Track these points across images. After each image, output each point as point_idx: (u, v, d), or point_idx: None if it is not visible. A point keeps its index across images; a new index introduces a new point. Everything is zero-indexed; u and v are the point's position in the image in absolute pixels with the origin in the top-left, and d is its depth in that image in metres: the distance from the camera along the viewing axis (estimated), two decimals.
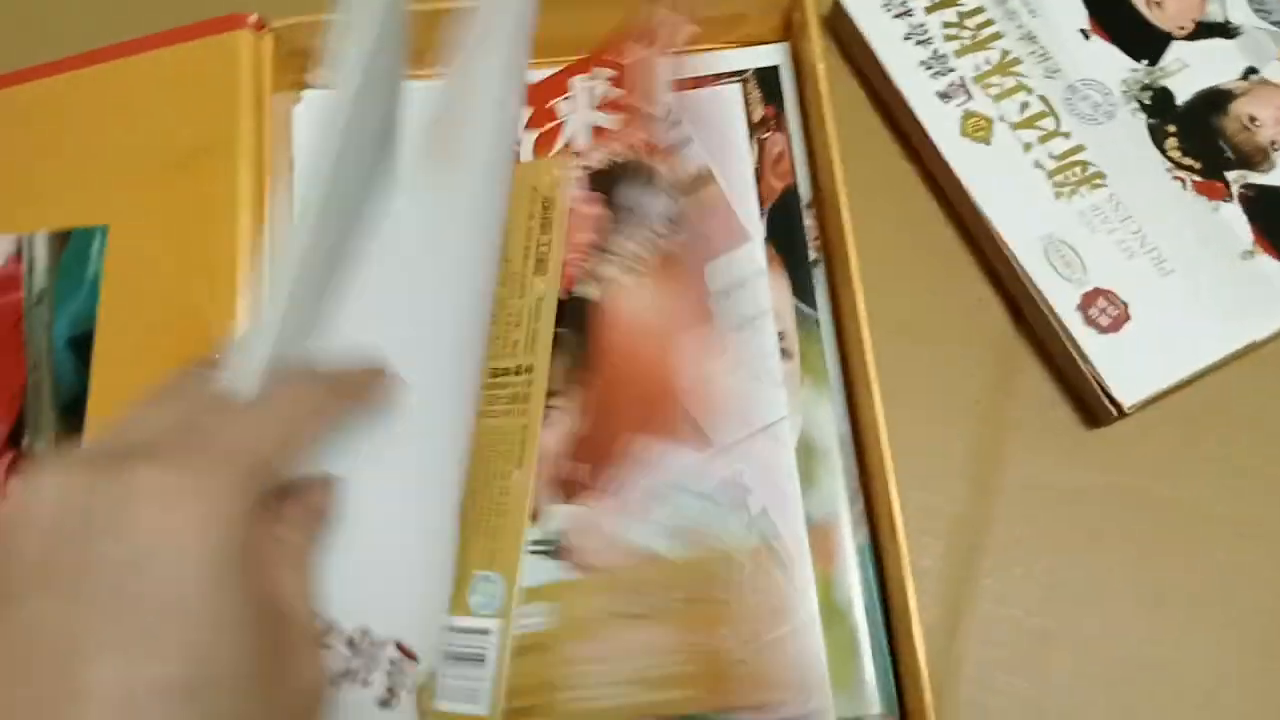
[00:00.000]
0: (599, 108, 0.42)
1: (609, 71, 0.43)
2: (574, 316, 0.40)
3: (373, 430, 0.29)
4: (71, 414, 0.39)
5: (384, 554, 0.29)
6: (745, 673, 0.35)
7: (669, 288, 0.39)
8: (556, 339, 0.39)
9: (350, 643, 0.27)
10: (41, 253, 0.42)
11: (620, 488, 0.37)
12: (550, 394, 0.38)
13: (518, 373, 0.38)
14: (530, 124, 0.43)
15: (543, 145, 0.43)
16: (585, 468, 0.37)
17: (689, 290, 0.39)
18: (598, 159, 0.42)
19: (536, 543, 0.37)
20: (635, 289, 0.39)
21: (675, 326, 0.39)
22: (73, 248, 0.42)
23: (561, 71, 0.44)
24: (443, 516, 0.31)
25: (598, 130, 0.42)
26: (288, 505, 0.26)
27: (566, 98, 0.43)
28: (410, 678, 0.28)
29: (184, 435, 0.23)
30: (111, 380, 0.39)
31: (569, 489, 0.37)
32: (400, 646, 0.28)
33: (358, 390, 0.28)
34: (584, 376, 0.39)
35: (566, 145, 0.42)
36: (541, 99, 0.43)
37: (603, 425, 0.38)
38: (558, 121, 0.43)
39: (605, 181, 0.42)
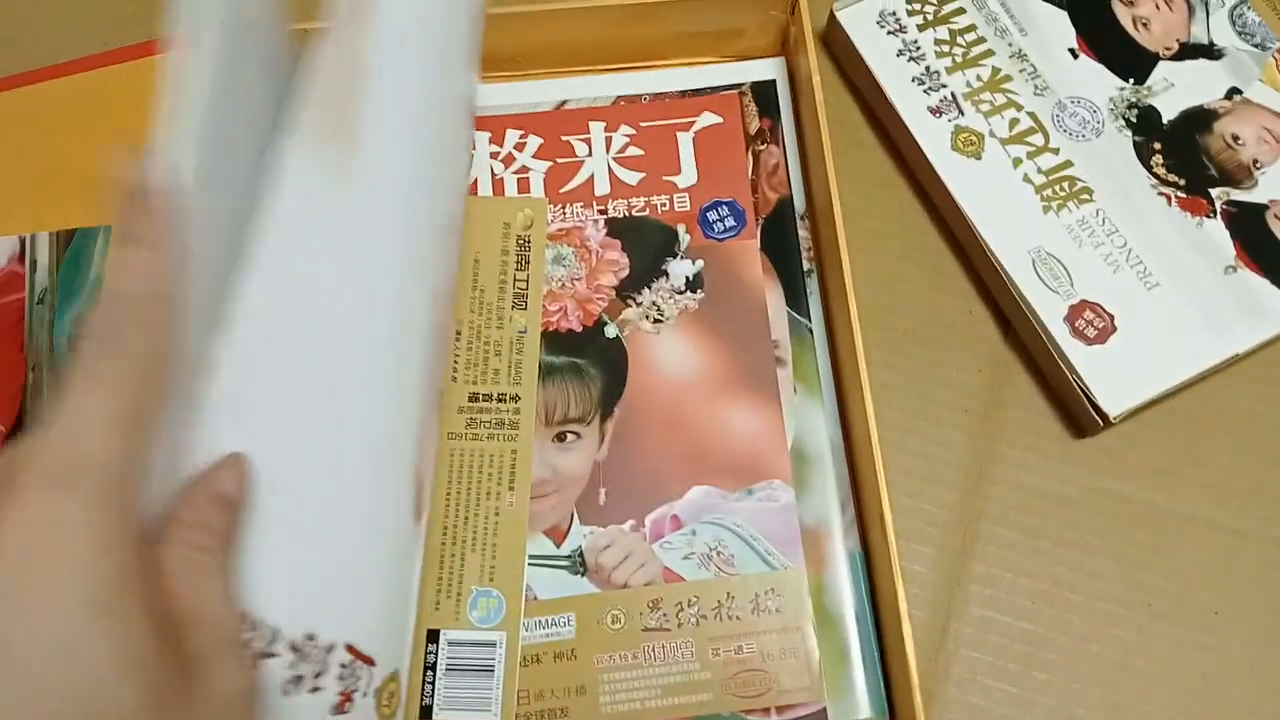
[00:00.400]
0: (618, 159, 0.43)
1: (629, 129, 0.44)
2: (596, 351, 0.40)
3: (296, 428, 0.27)
4: None
5: (327, 554, 0.27)
6: (755, 678, 0.36)
7: (694, 341, 0.41)
8: (577, 370, 0.40)
9: (294, 647, 0.26)
10: (44, 253, 0.42)
11: (643, 514, 0.38)
12: (568, 420, 0.39)
13: (502, 400, 0.39)
14: (541, 154, 0.44)
15: (555, 179, 0.43)
16: (608, 493, 0.39)
17: (713, 345, 0.41)
18: (615, 208, 0.43)
19: (562, 559, 0.38)
20: (659, 336, 0.41)
21: (700, 377, 0.40)
22: (75, 248, 0.42)
23: (580, 110, 0.44)
24: (392, 515, 0.30)
25: (616, 180, 0.43)
26: (190, 501, 0.24)
27: (584, 138, 0.44)
28: (365, 681, 0.28)
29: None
30: None
31: (592, 512, 0.38)
32: (352, 649, 0.27)
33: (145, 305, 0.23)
34: (607, 408, 0.40)
35: (586, 185, 0.43)
36: (554, 129, 0.44)
37: (627, 455, 0.39)
38: (576, 160, 0.43)
39: (624, 231, 0.42)
